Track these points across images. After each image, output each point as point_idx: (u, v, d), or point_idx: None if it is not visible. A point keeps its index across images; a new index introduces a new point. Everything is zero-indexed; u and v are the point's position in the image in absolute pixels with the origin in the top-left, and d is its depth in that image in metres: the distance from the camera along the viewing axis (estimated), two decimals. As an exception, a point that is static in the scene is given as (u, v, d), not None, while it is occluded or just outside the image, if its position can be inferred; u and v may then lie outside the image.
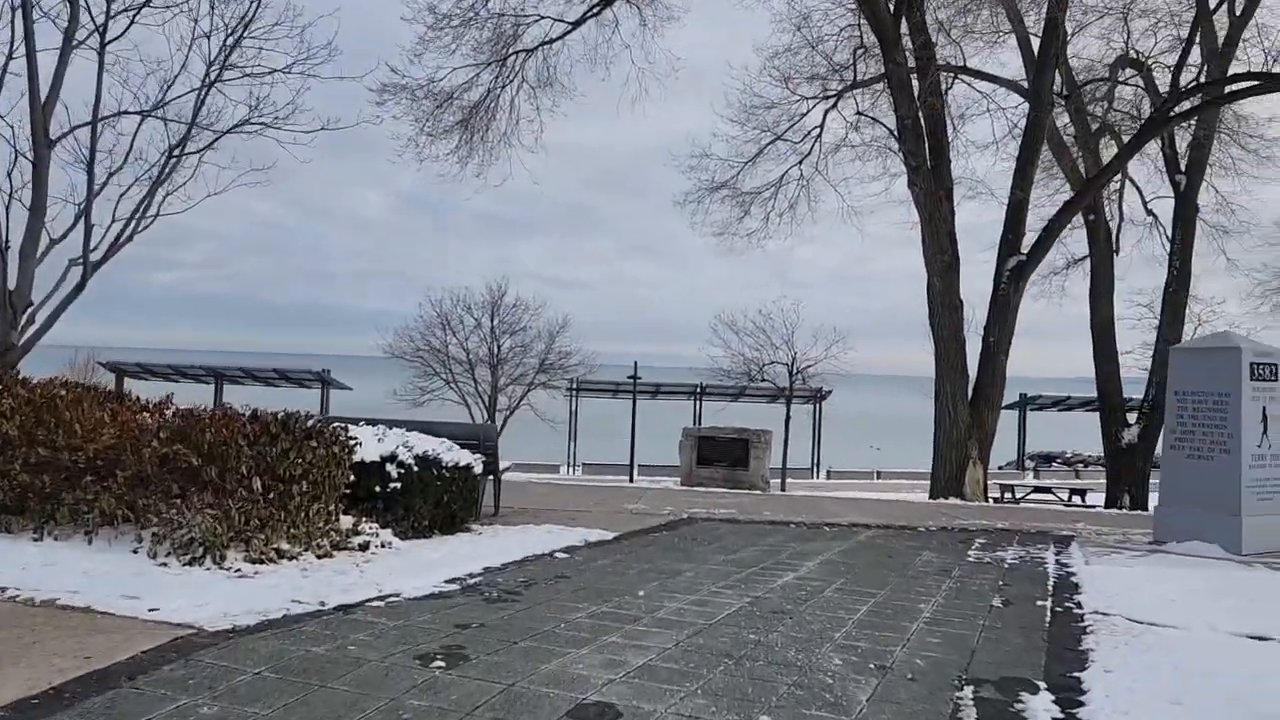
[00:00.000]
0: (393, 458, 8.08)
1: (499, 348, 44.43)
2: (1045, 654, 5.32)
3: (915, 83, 16.33)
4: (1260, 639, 5.70)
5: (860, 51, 21.47)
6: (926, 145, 16.43)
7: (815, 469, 55.08)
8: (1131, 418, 19.75)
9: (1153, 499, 21.55)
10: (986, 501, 16.65)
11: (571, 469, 55.14)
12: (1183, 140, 21.15)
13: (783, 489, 17.92)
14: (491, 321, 44.61)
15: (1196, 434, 9.69)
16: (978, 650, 5.30)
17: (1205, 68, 17.87)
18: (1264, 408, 9.49)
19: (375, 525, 7.75)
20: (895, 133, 17.13)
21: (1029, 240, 17.26)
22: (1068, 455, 77.60)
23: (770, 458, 15.36)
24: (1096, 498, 24.48)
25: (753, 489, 14.81)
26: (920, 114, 15.96)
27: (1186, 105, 16.49)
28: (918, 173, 16.17)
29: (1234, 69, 16.75)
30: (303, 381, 57.86)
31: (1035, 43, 18.96)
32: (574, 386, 53.96)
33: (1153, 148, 21.83)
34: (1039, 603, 6.71)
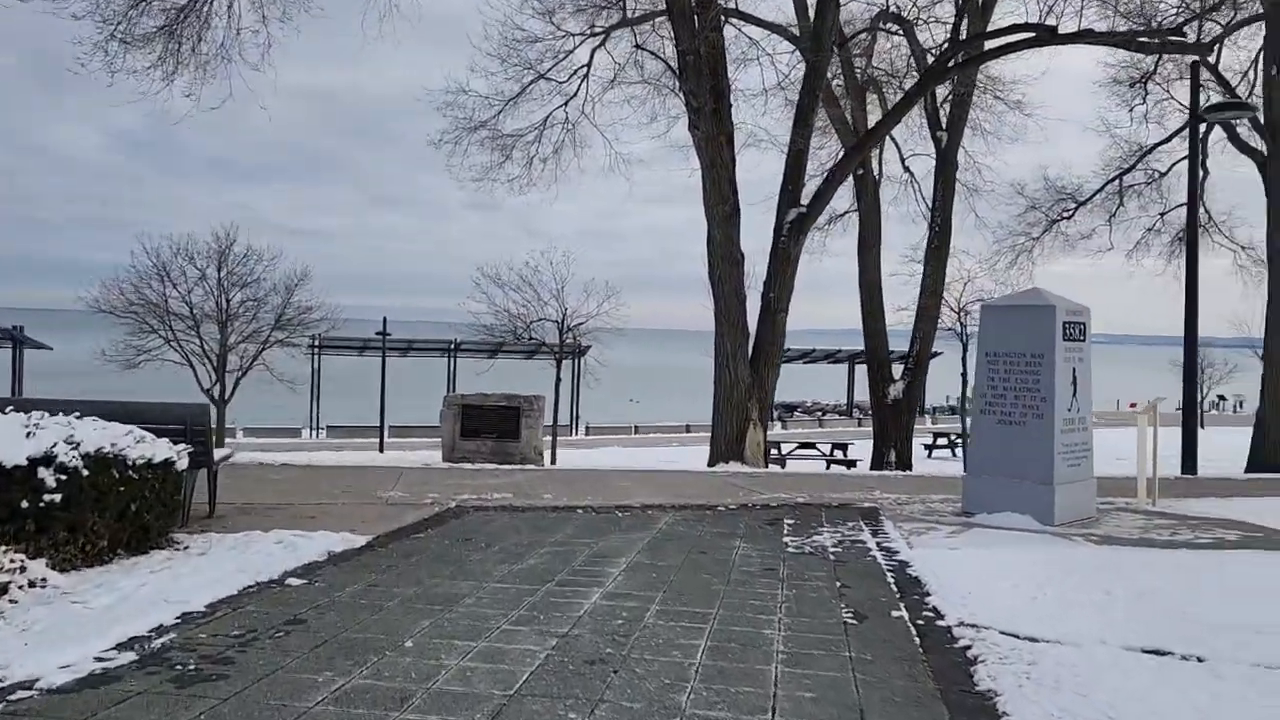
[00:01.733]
0: (48, 459, 5.81)
1: (228, 302, 40.05)
2: (945, 704, 4.15)
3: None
4: (1156, 653, 4.85)
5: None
6: (709, 85, 15.28)
7: (574, 425, 54.48)
8: (898, 372, 19.90)
9: (918, 454, 22.04)
10: (767, 465, 16.03)
11: (314, 432, 51.40)
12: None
13: (553, 460, 16.53)
14: (219, 273, 40.14)
15: (1008, 398, 9.09)
16: (866, 708, 4.04)
17: (967, 22, 17.86)
18: (1074, 369, 9.00)
19: (20, 556, 5.50)
20: (676, 70, 15.88)
21: (808, 193, 16.63)
22: (808, 404, 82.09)
23: (542, 426, 13.83)
24: (855, 452, 24.96)
25: (525, 462, 13.25)
26: (702, 50, 14.76)
27: (961, 57, 16.32)
28: (700, 115, 15.01)
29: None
30: (-13, 341, 50.15)
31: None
32: (316, 343, 50.01)
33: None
34: (894, 613, 5.61)
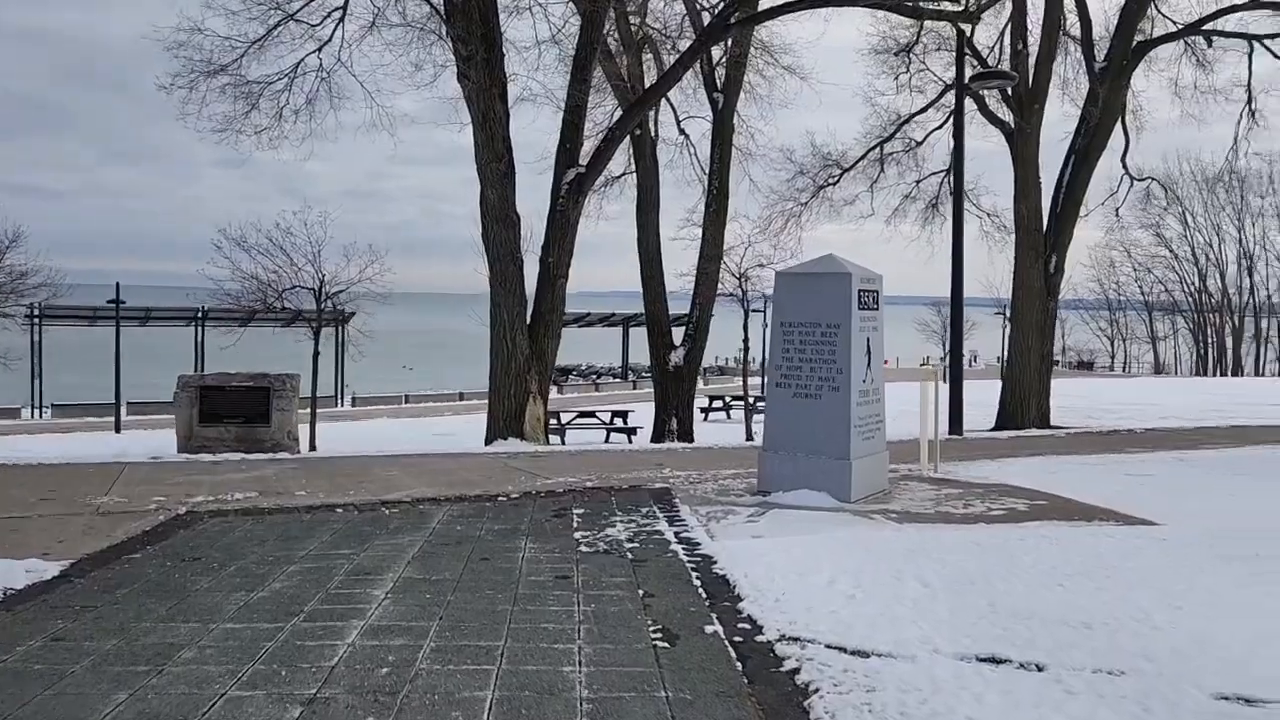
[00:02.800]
0: None
1: (-90, 266, 34.52)
2: (786, 760, 3.45)
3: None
4: (994, 661, 4.40)
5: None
6: (480, 33, 14.03)
7: (339, 397, 51.64)
8: (679, 338, 19.58)
9: (700, 424, 21.91)
10: (548, 441, 15.19)
11: (37, 412, 45.87)
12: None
13: (312, 444, 14.93)
14: (-112, 232, 34.43)
15: (804, 370, 8.66)
16: (697, 780, 3.26)
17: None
18: (868, 339, 8.69)
19: None
20: (442, 12, 14.50)
21: (586, 154, 15.77)
22: (583, 368, 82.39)
23: (297, 407, 12.32)
24: (635, 420, 24.67)
25: (278, 450, 11.74)
26: (472, -9, 13.49)
27: (739, 15, 15.90)
28: (470, 64, 13.76)
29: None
30: None
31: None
32: (35, 313, 44.46)
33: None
34: (707, 628, 4.91)
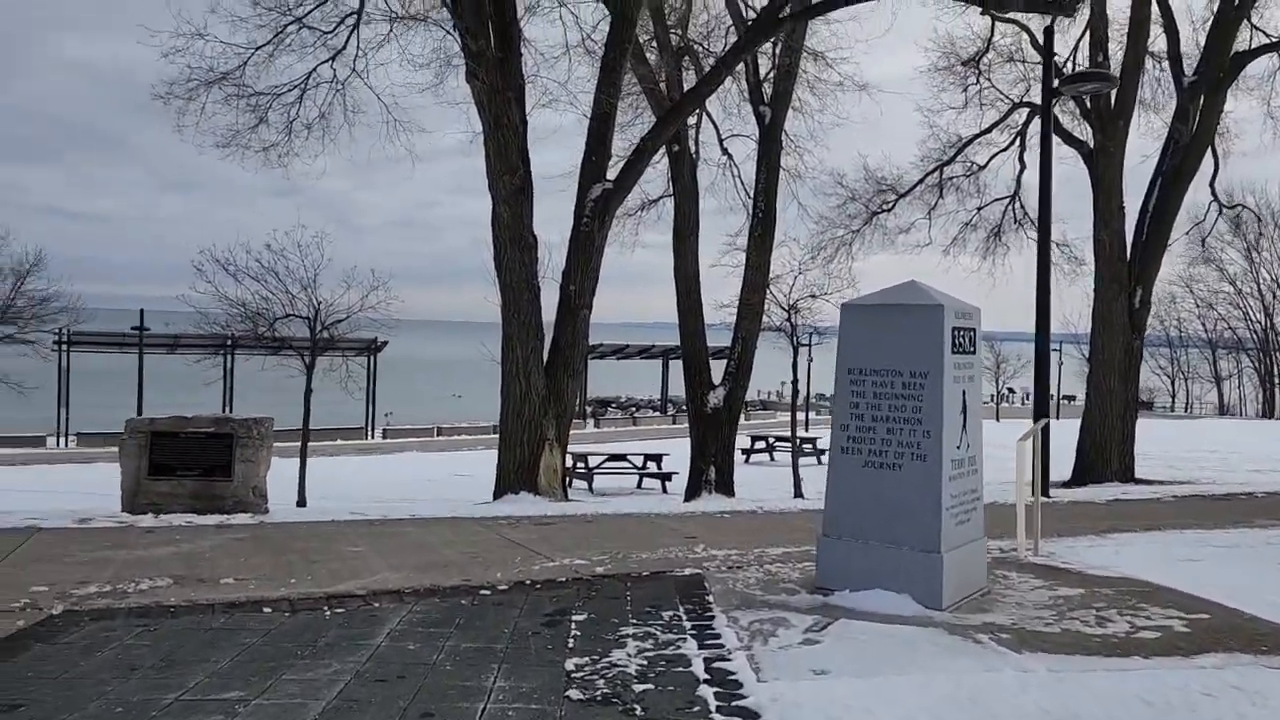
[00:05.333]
0: None
1: (-66, 290, 33.51)
2: None
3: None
4: None
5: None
6: (491, 26, 12.27)
7: (370, 429, 50.21)
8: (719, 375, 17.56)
9: (740, 466, 19.79)
10: (565, 496, 13.22)
11: (63, 440, 44.85)
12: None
13: (301, 498, 13.11)
14: (-81, 255, 33.48)
15: (878, 431, 6.61)
16: None
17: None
18: (964, 392, 6.63)
19: None
20: (448, 1, 12.75)
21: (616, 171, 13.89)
22: (621, 400, 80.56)
23: (269, 455, 10.47)
24: (671, 463, 22.62)
25: (239, 510, 9.88)
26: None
27: (793, 8, 13.99)
28: (480, 61, 11.97)
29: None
30: None
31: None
32: (63, 339, 43.47)
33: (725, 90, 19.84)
34: None
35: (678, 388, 68.85)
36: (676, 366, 64.68)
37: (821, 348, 19.04)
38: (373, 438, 49.50)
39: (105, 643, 5.41)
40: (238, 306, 14.55)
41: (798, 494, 16.77)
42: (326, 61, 18.07)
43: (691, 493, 16.78)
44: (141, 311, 41.45)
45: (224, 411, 44.91)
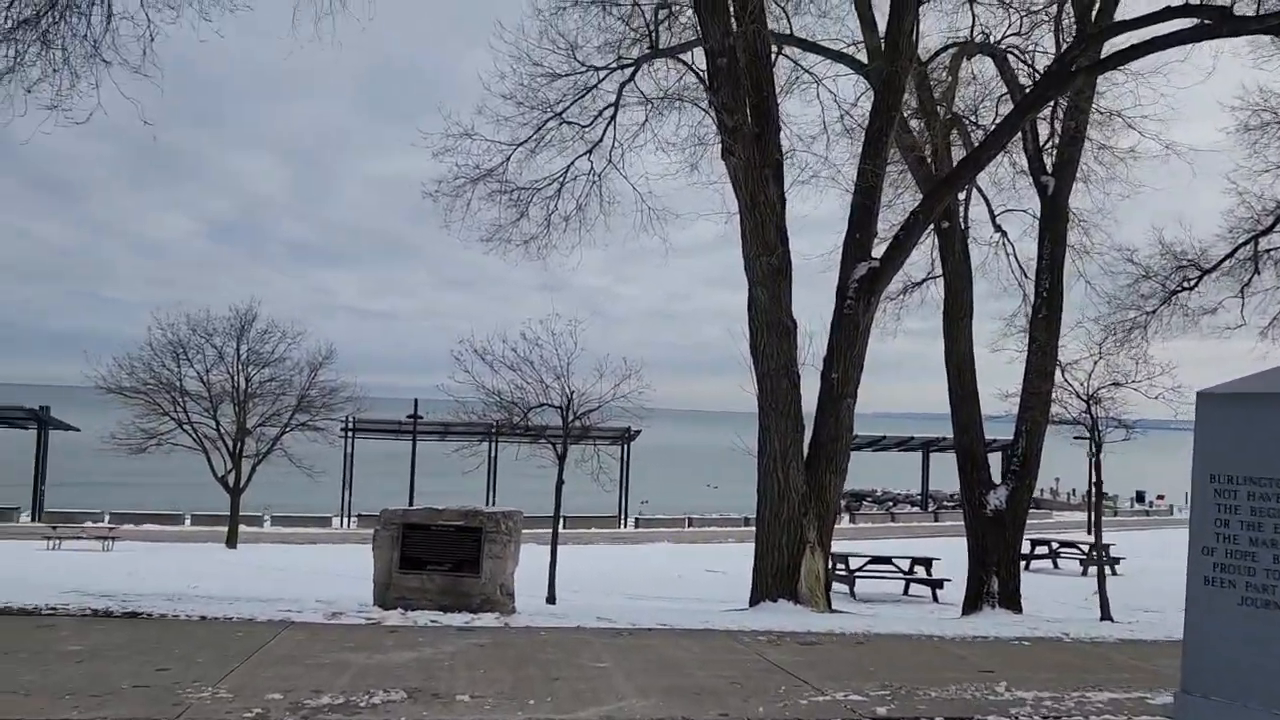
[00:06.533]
0: None
1: (246, 381, 37.14)
2: None
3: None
4: None
5: (663, 14, 16.78)
6: (748, 101, 11.68)
7: (622, 517, 50.46)
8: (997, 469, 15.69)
9: (1027, 585, 17.47)
10: (828, 605, 11.91)
11: (347, 521, 48.11)
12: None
13: (550, 594, 12.63)
14: (237, 350, 37.32)
15: (1262, 559, 5.02)
16: None
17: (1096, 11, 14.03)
18: (1383, 509, 4.93)
19: None
20: (705, 78, 12.33)
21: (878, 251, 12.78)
22: (877, 493, 77.09)
23: (518, 551, 10.00)
24: (941, 568, 20.59)
25: (485, 608, 9.39)
26: (739, 52, 11.18)
27: (1086, 61, 12.47)
28: (735, 136, 11.37)
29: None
30: (14, 420, 48.04)
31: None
32: (349, 426, 46.98)
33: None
34: None
35: (939, 482, 64.85)
36: (938, 460, 61.14)
37: (1125, 444, 16.60)
38: (625, 526, 49.68)
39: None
40: (493, 395, 14.62)
41: (1105, 616, 14.43)
42: (584, 154, 18.38)
43: (970, 605, 14.89)
44: (415, 401, 44.10)
45: (487, 499, 46.75)
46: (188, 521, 42.83)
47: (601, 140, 18.17)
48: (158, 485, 48.84)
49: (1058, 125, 17.47)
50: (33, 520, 40.81)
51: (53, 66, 9.07)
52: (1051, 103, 14.31)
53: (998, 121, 15.99)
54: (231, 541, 34.23)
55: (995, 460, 19.18)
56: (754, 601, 11.81)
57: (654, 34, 16.23)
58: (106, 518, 39.98)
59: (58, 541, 30.88)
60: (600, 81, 17.41)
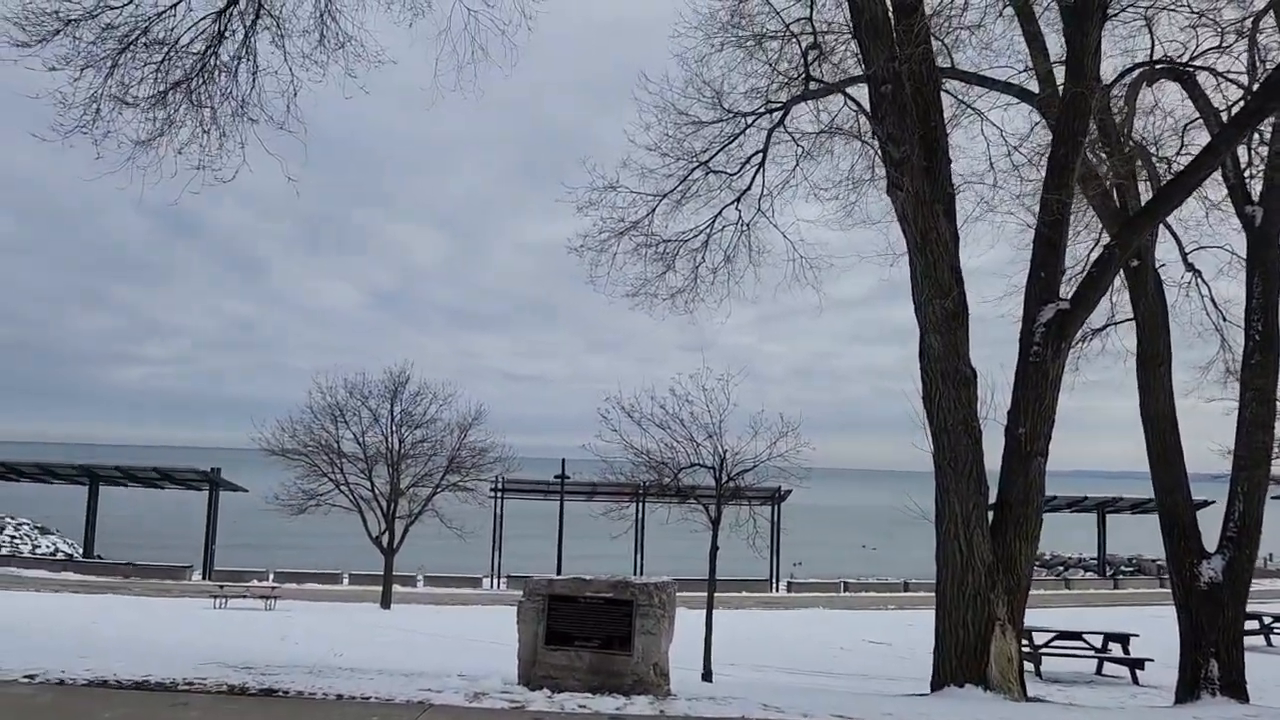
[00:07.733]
0: None
1: (400, 442, 37.86)
2: None
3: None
4: None
5: (813, 54, 16.02)
6: (916, 131, 10.72)
7: (774, 581, 48.68)
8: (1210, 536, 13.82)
9: (1254, 668, 15.24)
10: (1024, 693, 10.48)
11: (497, 582, 48.20)
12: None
13: (706, 670, 11.64)
14: (391, 411, 38.17)
15: None
16: None
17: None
18: None
19: None
20: (867, 109, 11.45)
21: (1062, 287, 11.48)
22: (1046, 556, 72.35)
23: (672, 627, 9.12)
24: (1138, 645, 18.45)
25: (636, 690, 8.53)
26: (904, 77, 10.28)
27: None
28: (903, 169, 10.41)
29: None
30: (189, 482, 50.61)
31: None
32: (498, 486, 47.20)
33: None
34: None
35: (1116, 545, 60.16)
36: (1115, 522, 56.75)
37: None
38: (777, 590, 47.91)
39: None
40: (642, 455, 13.92)
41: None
42: (732, 203, 17.72)
43: (1186, 692, 13.00)
44: (563, 461, 43.97)
45: (634, 562, 45.97)
46: (345, 581, 43.80)
47: (750, 188, 17.48)
48: (319, 546, 50.31)
49: (1254, 151, 15.74)
50: (203, 578, 42.51)
51: (202, 127, 9.09)
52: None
53: (1183, 150, 14.45)
54: (385, 602, 34.57)
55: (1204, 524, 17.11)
56: (935, 686, 10.50)
57: (806, 74, 15.50)
58: (271, 576, 41.34)
59: (224, 600, 31.85)
60: (747, 127, 16.78)
